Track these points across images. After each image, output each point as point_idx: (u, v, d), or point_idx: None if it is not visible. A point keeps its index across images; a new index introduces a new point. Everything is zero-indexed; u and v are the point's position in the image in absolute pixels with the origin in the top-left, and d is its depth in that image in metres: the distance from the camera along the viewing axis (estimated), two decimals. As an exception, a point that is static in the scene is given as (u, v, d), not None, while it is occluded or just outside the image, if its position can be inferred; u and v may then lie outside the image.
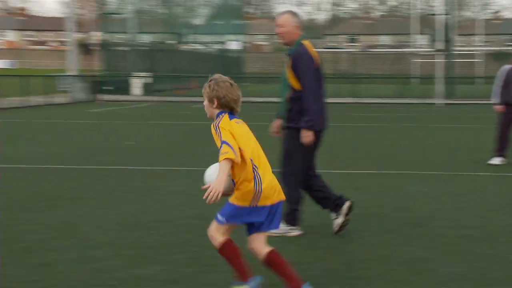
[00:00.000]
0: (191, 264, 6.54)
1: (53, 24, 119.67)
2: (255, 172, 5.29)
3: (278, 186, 5.44)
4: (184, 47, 60.81)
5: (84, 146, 16.67)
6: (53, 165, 13.17)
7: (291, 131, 7.72)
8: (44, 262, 6.58)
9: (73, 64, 44.03)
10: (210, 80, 5.44)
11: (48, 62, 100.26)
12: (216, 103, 5.39)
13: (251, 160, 5.29)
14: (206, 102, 5.44)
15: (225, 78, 5.49)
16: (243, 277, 5.47)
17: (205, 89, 5.43)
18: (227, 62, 58.38)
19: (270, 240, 7.47)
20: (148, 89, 46.56)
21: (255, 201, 5.31)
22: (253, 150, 5.34)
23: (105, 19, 54.20)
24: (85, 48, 56.68)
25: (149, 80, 47.67)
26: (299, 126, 7.58)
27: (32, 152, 15.34)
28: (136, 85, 46.77)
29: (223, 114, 5.38)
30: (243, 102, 5.54)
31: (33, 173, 12.29)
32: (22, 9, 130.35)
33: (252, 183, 5.27)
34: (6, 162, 13.53)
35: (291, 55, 7.61)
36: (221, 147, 5.19)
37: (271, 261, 5.45)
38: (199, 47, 62.10)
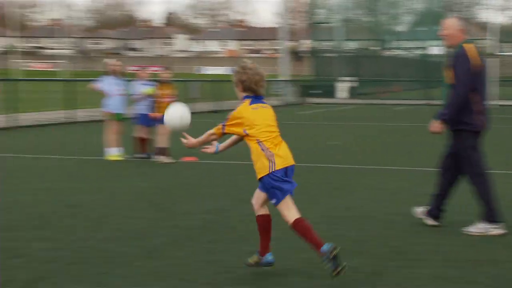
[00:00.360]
0: (394, 258, 6.41)
1: (268, 34, 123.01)
2: (262, 146, 5.63)
3: (289, 153, 5.77)
4: (387, 53, 60.11)
5: (293, 145, 16.92)
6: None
7: (458, 133, 7.47)
8: (254, 250, 6.73)
9: (285, 70, 45.00)
10: (239, 65, 5.79)
11: (263, 68, 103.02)
12: (240, 86, 5.74)
13: (258, 141, 5.64)
14: (235, 87, 5.81)
15: (248, 63, 5.83)
16: (318, 246, 5.55)
17: (233, 76, 5.80)
18: (429, 67, 56.90)
19: (471, 240, 7.17)
20: (353, 92, 46.60)
21: (273, 167, 5.60)
22: (261, 130, 5.65)
23: (314, 28, 54.86)
24: (295, 55, 57.74)
25: (354, 84, 47.67)
26: (462, 128, 7.38)
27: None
28: (342, 88, 46.92)
29: (246, 99, 5.73)
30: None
31: (250, 169, 12.63)
32: (242, 21, 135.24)
33: (263, 155, 5.62)
34: (228, 159, 14.05)
35: (451, 57, 7.45)
36: (221, 123, 5.76)
37: (262, 222, 5.94)
38: (402, 53, 61.09)
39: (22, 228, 7.48)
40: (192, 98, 32.02)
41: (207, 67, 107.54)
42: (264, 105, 5.82)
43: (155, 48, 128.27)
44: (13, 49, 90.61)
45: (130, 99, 14.32)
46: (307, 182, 11.03)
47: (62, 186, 10.39)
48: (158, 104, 13.52)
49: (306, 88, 44.80)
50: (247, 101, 5.73)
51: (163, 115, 13.91)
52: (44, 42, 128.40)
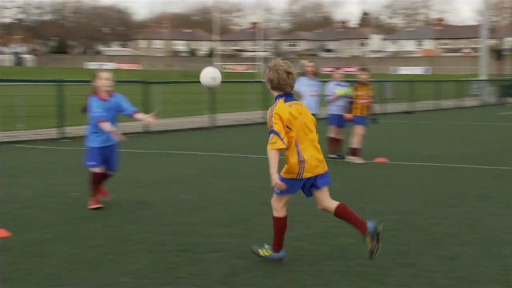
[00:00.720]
0: None
1: (467, 32, 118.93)
2: (297, 147, 5.85)
3: (321, 161, 5.97)
4: None
5: (490, 147, 16.24)
6: (460, 164, 13.05)
7: None
8: (451, 255, 6.54)
9: (484, 69, 43.22)
10: (269, 64, 5.95)
11: (461, 68, 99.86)
12: (270, 85, 5.92)
13: (296, 142, 5.84)
14: (268, 86, 6.00)
15: (280, 62, 5.92)
16: (276, 248, 6.19)
17: (265, 74, 5.99)
18: None
19: None
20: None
21: (301, 173, 5.88)
22: (298, 129, 5.86)
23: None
24: (497, 53, 55.19)
25: None
26: None
27: (443, 151, 15.39)
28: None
29: (279, 98, 5.90)
30: None
31: (442, 171, 12.31)
32: (440, 19, 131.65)
33: (296, 157, 5.84)
34: (419, 160, 13.77)
35: None
36: (270, 134, 5.78)
37: (341, 213, 6.09)
38: None
39: (219, 224, 7.80)
40: (386, 99, 31.70)
41: (402, 67, 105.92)
42: (297, 102, 6.00)
43: (350, 48, 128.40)
44: (216, 52, 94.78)
45: (324, 100, 14.43)
46: (507, 186, 10.54)
47: (256, 184, 10.70)
48: (354, 105, 13.45)
49: (507, 88, 42.71)
50: (281, 100, 5.91)
51: (357, 116, 13.83)
52: (243, 45, 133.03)
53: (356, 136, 13.42)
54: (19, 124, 18.53)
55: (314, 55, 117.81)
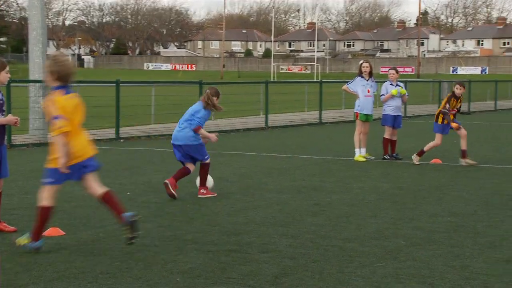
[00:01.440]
0: None
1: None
2: (66, 139, 6.16)
3: (88, 147, 6.39)
4: None
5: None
6: (520, 166, 12.76)
7: None
8: (506, 258, 6.39)
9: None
10: (52, 57, 6.20)
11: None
12: (55, 76, 6.16)
13: (65, 133, 6.15)
14: (46, 75, 6.20)
15: (60, 55, 6.28)
16: (36, 237, 6.43)
17: (46, 64, 6.18)
18: None
19: None
20: None
21: (65, 163, 6.17)
22: (73, 120, 6.21)
23: None
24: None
25: None
26: None
27: (500, 153, 15.06)
28: None
29: (59, 89, 6.18)
30: None
31: (498, 172, 12.07)
32: (503, 18, 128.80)
33: (61, 153, 6.14)
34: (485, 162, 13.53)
35: None
36: (55, 119, 6.10)
37: (107, 200, 6.47)
38: None
39: (269, 225, 7.79)
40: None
41: (461, 67, 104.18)
42: (74, 94, 6.31)
43: (408, 48, 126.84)
44: (274, 53, 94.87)
45: (380, 100, 14.27)
46: None
47: (308, 184, 10.66)
48: (442, 115, 13.00)
49: None
50: (61, 91, 6.20)
51: (444, 124, 13.14)
52: (300, 46, 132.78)
53: (434, 143, 13.05)
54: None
55: (371, 55, 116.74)
